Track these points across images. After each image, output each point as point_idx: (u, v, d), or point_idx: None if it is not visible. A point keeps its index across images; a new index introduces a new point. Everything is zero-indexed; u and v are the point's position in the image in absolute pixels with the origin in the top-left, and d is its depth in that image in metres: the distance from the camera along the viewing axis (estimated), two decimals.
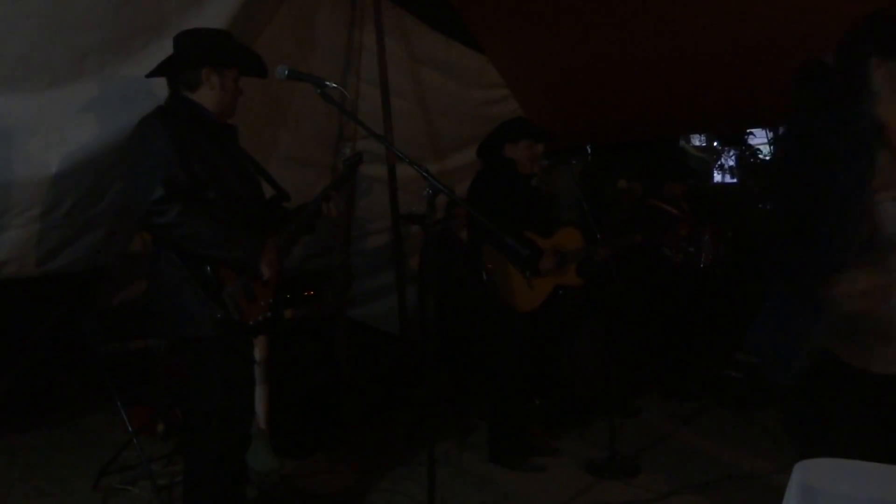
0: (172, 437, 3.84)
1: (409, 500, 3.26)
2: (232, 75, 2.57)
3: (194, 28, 2.65)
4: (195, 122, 2.48)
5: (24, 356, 4.02)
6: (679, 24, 4.03)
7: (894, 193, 1.80)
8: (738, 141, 11.97)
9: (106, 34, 2.81)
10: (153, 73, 2.56)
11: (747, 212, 8.18)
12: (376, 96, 4.30)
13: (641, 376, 5.18)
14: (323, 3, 4.14)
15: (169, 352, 3.95)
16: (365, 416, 4.45)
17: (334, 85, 2.32)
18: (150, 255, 2.58)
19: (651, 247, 4.77)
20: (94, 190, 2.96)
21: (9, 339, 4.02)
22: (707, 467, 3.67)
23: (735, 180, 12.87)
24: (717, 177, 13.45)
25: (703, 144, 13.57)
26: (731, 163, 13.33)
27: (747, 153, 12.32)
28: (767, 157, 12.41)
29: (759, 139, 13.03)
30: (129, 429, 3.34)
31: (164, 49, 2.64)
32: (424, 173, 2.22)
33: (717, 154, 13.39)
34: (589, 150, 7.80)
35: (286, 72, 2.28)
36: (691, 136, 12.39)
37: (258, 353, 3.43)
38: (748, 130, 11.51)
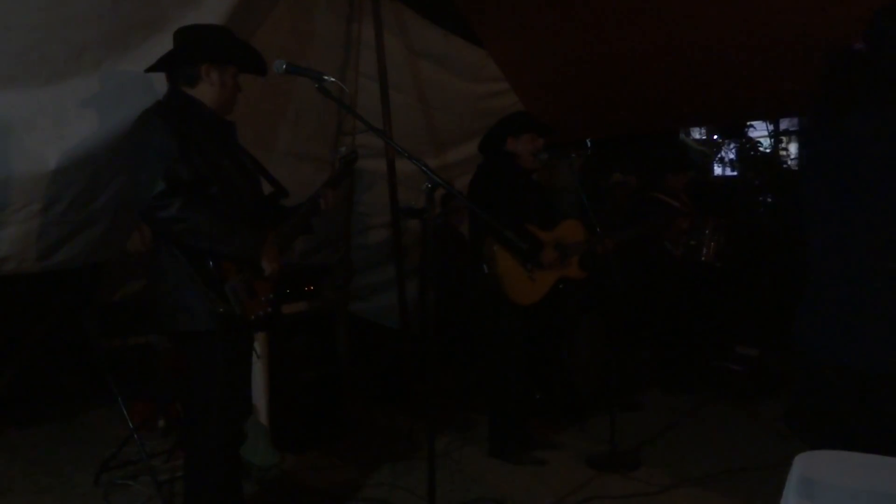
0: (173, 432, 3.85)
1: (410, 494, 3.26)
2: (231, 72, 2.57)
3: (194, 24, 2.65)
4: (194, 118, 2.48)
5: (24, 352, 4.03)
6: (679, 18, 4.02)
7: None
8: (738, 134, 11.94)
9: (104, 29, 2.80)
10: (152, 69, 2.56)
11: (747, 204, 8.18)
12: (375, 90, 4.29)
13: (642, 370, 5.19)
14: None
15: (169, 347, 3.95)
16: (365, 411, 4.46)
17: (332, 79, 2.32)
18: (150, 250, 2.57)
19: (652, 240, 4.77)
20: (93, 185, 2.96)
21: (9, 335, 4.03)
22: (707, 460, 3.68)
23: (735, 173, 12.85)
24: (718, 170, 13.42)
25: (704, 137, 13.54)
26: (732, 156, 13.30)
27: (748, 146, 12.28)
28: (768, 150, 12.38)
29: (760, 132, 12.99)
30: (130, 424, 3.34)
31: (162, 44, 2.64)
32: (424, 167, 2.22)
33: (718, 147, 13.36)
34: (589, 145, 7.79)
35: (284, 66, 2.28)
36: (691, 129, 12.36)
37: (258, 348, 3.44)
38: (748, 123, 11.48)
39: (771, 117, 10.64)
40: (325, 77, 2.30)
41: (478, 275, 3.66)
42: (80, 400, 4.43)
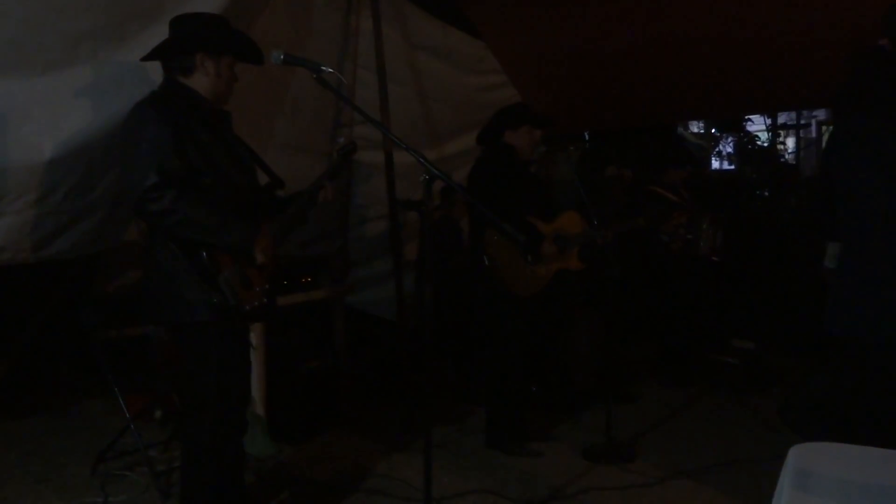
0: (170, 422, 3.85)
1: (407, 485, 3.27)
2: (227, 61, 2.55)
3: (191, 13, 2.63)
4: (189, 108, 2.47)
5: (21, 343, 4.02)
6: (677, 11, 4.01)
7: None
8: (736, 128, 11.96)
9: (100, 19, 2.78)
10: (147, 58, 2.54)
11: (745, 198, 8.19)
12: (373, 82, 4.27)
13: (638, 362, 5.20)
14: None
15: (166, 338, 3.95)
16: (362, 402, 4.47)
17: (330, 70, 2.31)
18: (145, 241, 2.57)
19: (648, 233, 4.77)
20: (89, 176, 2.95)
21: (6, 326, 4.02)
22: (703, 453, 3.69)
23: (733, 167, 12.86)
24: (715, 163, 13.43)
25: (702, 131, 13.54)
26: (730, 149, 13.31)
27: (745, 140, 12.29)
28: (766, 144, 12.39)
29: (758, 126, 13.00)
30: (127, 415, 3.35)
31: (159, 34, 2.62)
32: (421, 159, 2.21)
33: (716, 141, 13.37)
34: (587, 137, 7.79)
35: (281, 56, 2.26)
36: (689, 122, 12.35)
37: (254, 339, 3.44)
38: (746, 117, 11.49)
39: (769, 111, 10.64)
40: (323, 68, 2.29)
41: (478, 267, 3.66)
42: (77, 391, 4.44)
